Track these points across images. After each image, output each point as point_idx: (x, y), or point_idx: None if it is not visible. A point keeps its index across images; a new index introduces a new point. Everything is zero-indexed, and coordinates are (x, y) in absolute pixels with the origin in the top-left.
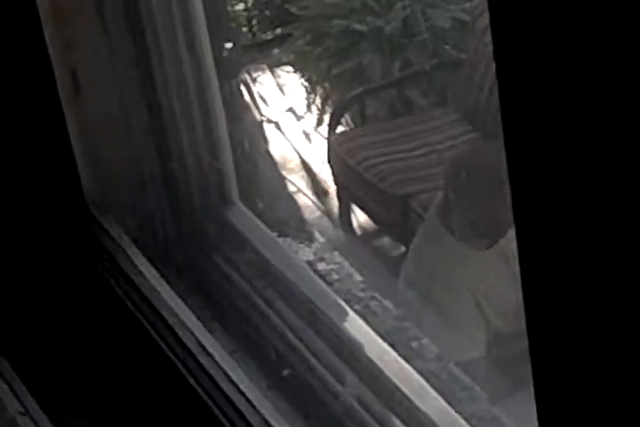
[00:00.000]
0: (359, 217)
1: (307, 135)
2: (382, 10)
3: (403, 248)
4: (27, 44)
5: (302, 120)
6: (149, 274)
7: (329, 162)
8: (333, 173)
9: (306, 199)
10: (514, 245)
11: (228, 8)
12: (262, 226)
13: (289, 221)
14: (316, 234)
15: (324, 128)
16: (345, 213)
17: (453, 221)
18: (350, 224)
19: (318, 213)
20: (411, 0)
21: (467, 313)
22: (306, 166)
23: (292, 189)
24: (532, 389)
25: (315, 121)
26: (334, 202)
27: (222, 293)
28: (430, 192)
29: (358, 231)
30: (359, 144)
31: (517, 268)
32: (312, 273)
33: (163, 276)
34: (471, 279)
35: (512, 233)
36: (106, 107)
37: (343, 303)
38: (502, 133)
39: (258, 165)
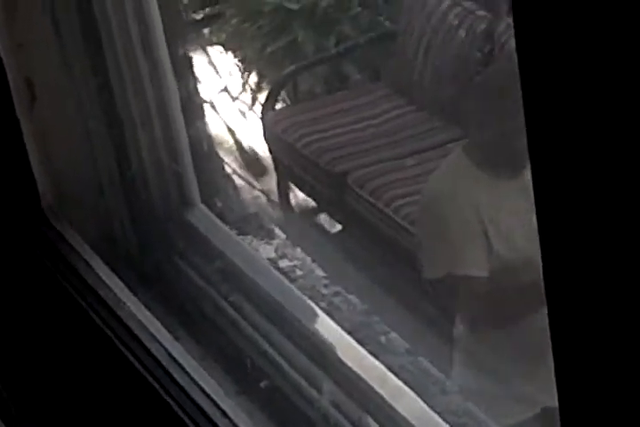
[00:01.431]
0: (297, 195)
1: (242, 115)
2: None
3: (339, 226)
4: None
5: (237, 100)
6: (111, 282)
7: (265, 141)
8: (270, 152)
9: (242, 181)
10: None
11: None
12: (223, 226)
13: (249, 219)
14: (277, 230)
15: (259, 108)
16: (283, 192)
17: (477, 154)
18: (289, 203)
19: (255, 192)
20: None
21: (472, 239)
22: (241, 146)
23: (228, 170)
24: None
25: (249, 101)
26: (271, 182)
27: (188, 298)
28: (367, 168)
29: (297, 210)
30: (295, 121)
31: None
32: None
33: (125, 283)
34: (487, 208)
35: None
36: (61, 112)
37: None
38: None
39: (217, 164)
